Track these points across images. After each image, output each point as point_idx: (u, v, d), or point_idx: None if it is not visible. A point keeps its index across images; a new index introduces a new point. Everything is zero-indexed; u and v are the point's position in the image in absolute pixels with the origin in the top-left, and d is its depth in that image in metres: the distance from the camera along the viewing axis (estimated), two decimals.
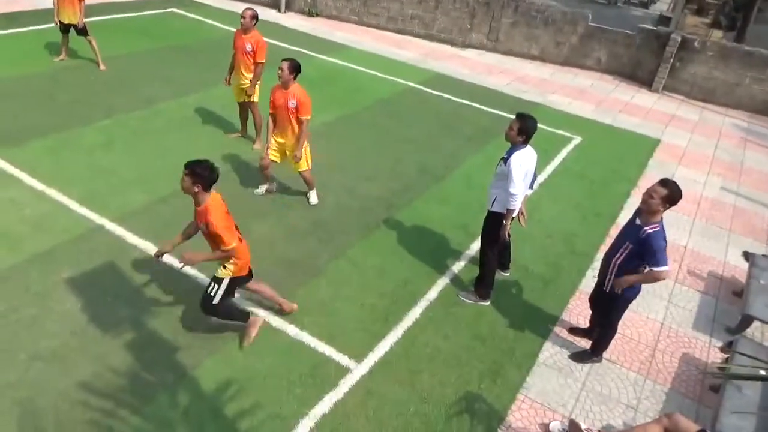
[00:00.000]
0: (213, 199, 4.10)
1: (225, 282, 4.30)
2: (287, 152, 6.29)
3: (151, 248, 5.49)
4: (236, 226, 4.31)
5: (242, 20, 7.11)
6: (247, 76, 7.31)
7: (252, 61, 7.22)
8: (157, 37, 11.74)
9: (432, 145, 8.50)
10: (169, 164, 7.01)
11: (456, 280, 5.71)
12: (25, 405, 3.90)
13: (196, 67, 10.28)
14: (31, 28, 11.07)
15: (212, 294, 4.29)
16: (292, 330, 4.79)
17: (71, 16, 9.03)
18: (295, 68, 5.89)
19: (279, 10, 14.87)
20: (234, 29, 7.76)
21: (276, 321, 4.85)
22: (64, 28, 9.25)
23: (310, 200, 6.62)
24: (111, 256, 5.38)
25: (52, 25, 9.32)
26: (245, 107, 7.67)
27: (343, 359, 4.59)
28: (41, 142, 7.13)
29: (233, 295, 4.55)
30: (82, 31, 9.22)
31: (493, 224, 5.10)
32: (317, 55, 11.86)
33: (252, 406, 4.10)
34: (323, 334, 4.80)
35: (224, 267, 4.29)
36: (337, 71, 11.22)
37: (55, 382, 4.08)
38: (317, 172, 6.59)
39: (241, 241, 4.30)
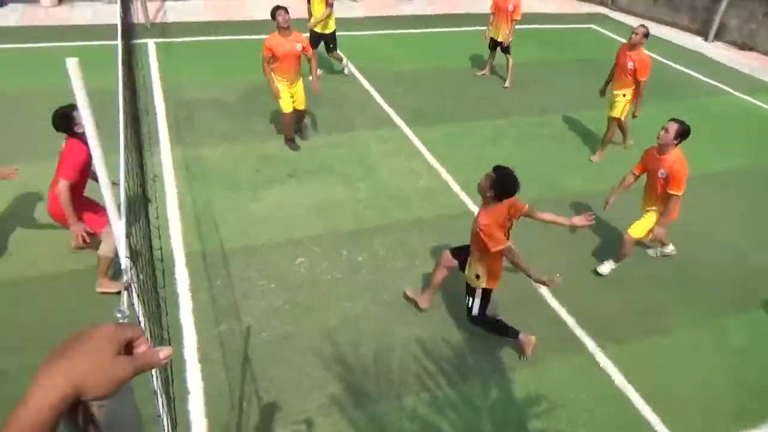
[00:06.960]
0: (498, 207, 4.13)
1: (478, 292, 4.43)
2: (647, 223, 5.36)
3: None
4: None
5: (633, 36, 7.05)
6: (619, 93, 7.27)
7: (631, 78, 7.10)
8: (568, 50, 12.08)
9: None
10: (545, 172, 7.25)
11: None
12: (370, 337, 4.64)
13: (593, 84, 10.19)
14: (465, 28, 12.70)
15: (470, 306, 4.49)
16: (618, 378, 4.46)
17: (503, 35, 9.38)
18: (683, 133, 5.03)
19: (705, 39, 13.50)
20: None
21: (604, 361, 4.59)
22: (493, 45, 9.70)
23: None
24: None
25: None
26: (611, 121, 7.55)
27: None
28: (445, 126, 8.21)
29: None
30: (506, 50, 9.55)
31: None
32: (736, 93, 10.40)
33: None
34: (651, 398, 4.32)
35: (477, 278, 4.34)
36: (758, 116, 9.65)
37: (399, 329, 4.73)
38: (699, 222, 5.85)
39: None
